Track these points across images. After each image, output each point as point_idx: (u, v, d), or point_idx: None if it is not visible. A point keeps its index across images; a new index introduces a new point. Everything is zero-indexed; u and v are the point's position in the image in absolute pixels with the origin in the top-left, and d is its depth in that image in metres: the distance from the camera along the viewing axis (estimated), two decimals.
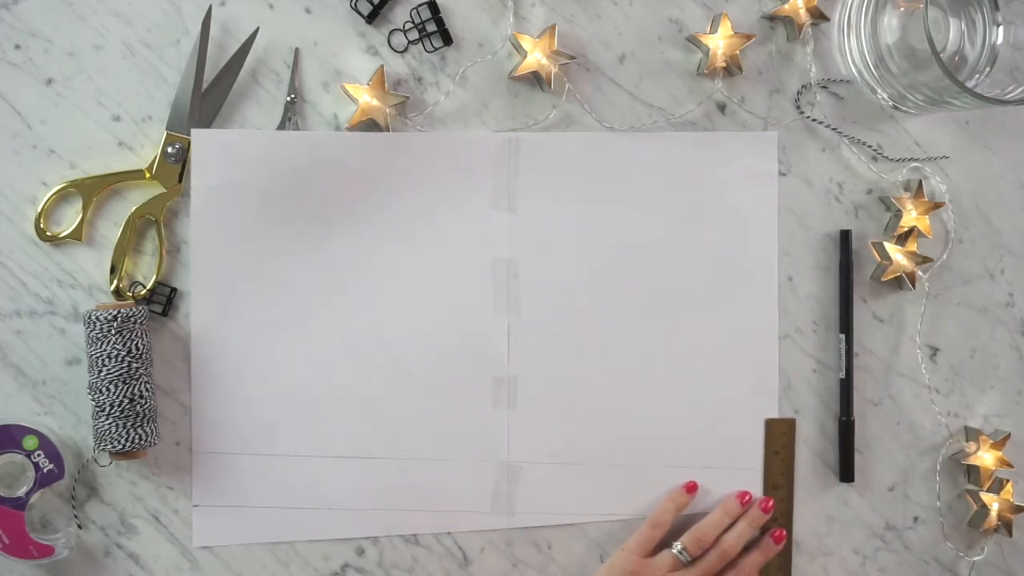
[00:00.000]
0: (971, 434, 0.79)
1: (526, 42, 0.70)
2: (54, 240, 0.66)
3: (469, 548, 0.73)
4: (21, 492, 0.64)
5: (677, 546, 0.72)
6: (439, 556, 0.72)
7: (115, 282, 0.66)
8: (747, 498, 0.74)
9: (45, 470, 0.64)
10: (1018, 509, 0.77)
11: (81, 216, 0.66)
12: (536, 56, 0.70)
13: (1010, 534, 0.78)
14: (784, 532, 0.75)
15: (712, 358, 0.75)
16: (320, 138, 0.69)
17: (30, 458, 0.64)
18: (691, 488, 0.74)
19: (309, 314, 0.69)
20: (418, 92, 0.71)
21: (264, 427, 0.69)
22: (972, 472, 0.79)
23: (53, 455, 0.64)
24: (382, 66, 0.68)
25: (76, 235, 0.66)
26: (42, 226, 0.65)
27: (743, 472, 0.75)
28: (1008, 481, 0.78)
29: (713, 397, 0.75)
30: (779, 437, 0.75)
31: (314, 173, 0.68)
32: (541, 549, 0.74)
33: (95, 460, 0.66)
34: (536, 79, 0.71)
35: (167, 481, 0.68)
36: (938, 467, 0.79)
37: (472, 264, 0.71)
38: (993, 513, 0.77)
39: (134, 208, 0.66)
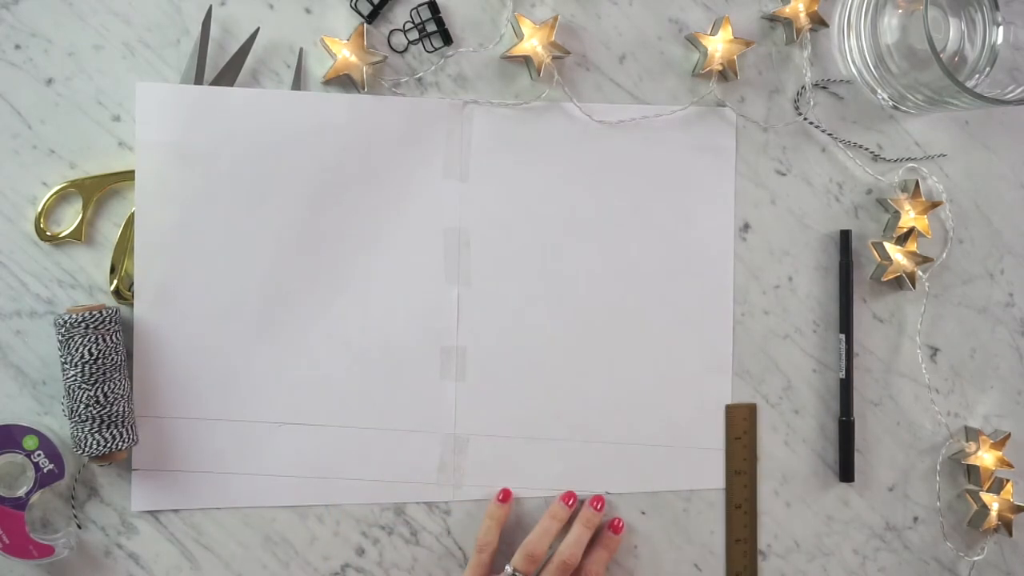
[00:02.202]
0: (971, 434, 0.79)
1: (526, 26, 0.70)
2: (54, 240, 0.66)
3: (469, 548, 0.72)
4: (21, 492, 0.64)
5: (508, 568, 0.68)
6: (439, 556, 0.72)
7: (115, 282, 0.66)
8: (571, 500, 0.72)
9: (45, 470, 0.64)
10: (1018, 509, 0.77)
11: (81, 216, 0.66)
12: (532, 43, 0.70)
13: (1010, 534, 0.78)
14: (621, 520, 0.73)
15: (665, 333, 0.74)
16: (271, 96, 0.68)
17: (30, 458, 0.64)
18: (504, 497, 0.71)
19: (254, 280, 0.68)
20: (417, 92, 0.70)
21: (206, 393, 0.67)
22: (972, 472, 0.79)
23: (53, 455, 0.64)
24: (362, 24, 0.68)
25: (76, 235, 0.66)
26: (42, 226, 0.65)
27: (698, 451, 0.75)
28: (1008, 481, 0.78)
29: (664, 374, 0.74)
30: (739, 423, 0.74)
31: (262, 133, 0.67)
32: None
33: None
34: (527, 64, 0.71)
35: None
36: (938, 467, 0.79)
37: (423, 233, 0.70)
38: (993, 513, 0.77)
39: (134, 208, 0.66)
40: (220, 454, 0.68)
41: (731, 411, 0.75)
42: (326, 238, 0.69)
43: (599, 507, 0.72)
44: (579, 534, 0.70)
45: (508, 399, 0.72)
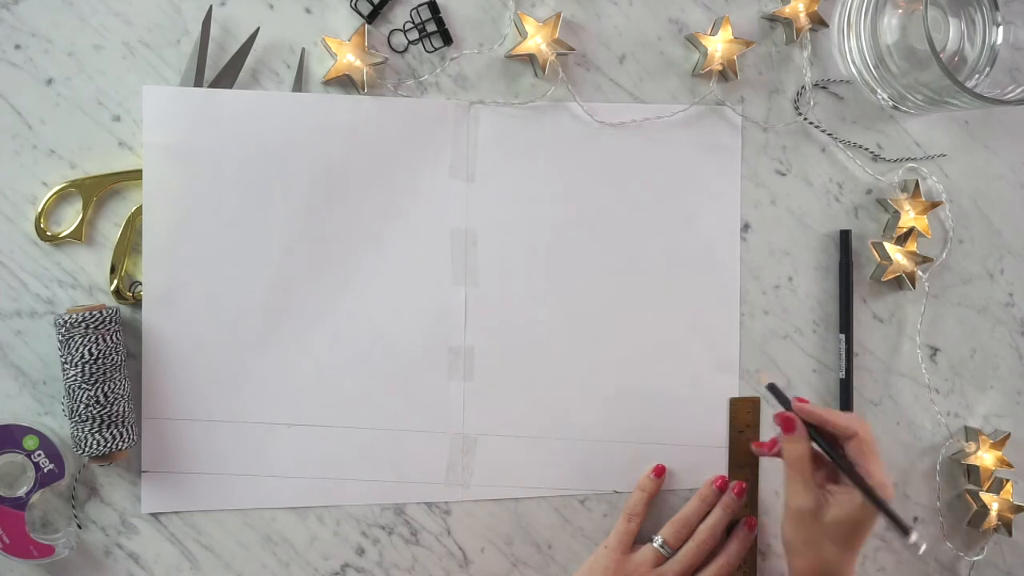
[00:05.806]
0: (971, 434, 0.79)
1: (529, 24, 0.70)
2: (54, 240, 0.66)
3: (469, 548, 0.73)
4: (21, 492, 0.64)
5: (657, 540, 0.71)
6: (439, 556, 0.72)
7: (115, 282, 0.66)
8: (720, 483, 0.74)
9: (45, 470, 0.64)
10: (1018, 509, 0.77)
11: (81, 216, 0.66)
12: (536, 40, 0.70)
13: (1010, 534, 0.78)
14: (755, 520, 0.75)
15: (671, 332, 0.74)
16: (278, 98, 0.68)
17: (30, 458, 0.64)
18: (658, 472, 0.73)
19: (261, 282, 0.68)
20: (418, 92, 0.70)
21: (214, 394, 0.67)
22: (972, 472, 0.79)
23: (53, 455, 0.64)
24: (363, 24, 0.68)
25: (76, 235, 0.66)
26: (42, 226, 0.65)
27: (704, 449, 0.75)
28: (1008, 481, 0.78)
29: (671, 372, 0.74)
30: (743, 416, 0.75)
31: (269, 134, 0.67)
32: (541, 549, 0.74)
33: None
34: (531, 62, 0.71)
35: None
36: (938, 467, 0.79)
37: (429, 233, 0.71)
38: (993, 513, 0.77)
39: (134, 208, 0.66)
40: (227, 456, 0.68)
41: (735, 404, 0.75)
42: (332, 239, 0.69)
43: (740, 494, 0.73)
44: (719, 517, 0.72)
45: (516, 398, 0.72)
